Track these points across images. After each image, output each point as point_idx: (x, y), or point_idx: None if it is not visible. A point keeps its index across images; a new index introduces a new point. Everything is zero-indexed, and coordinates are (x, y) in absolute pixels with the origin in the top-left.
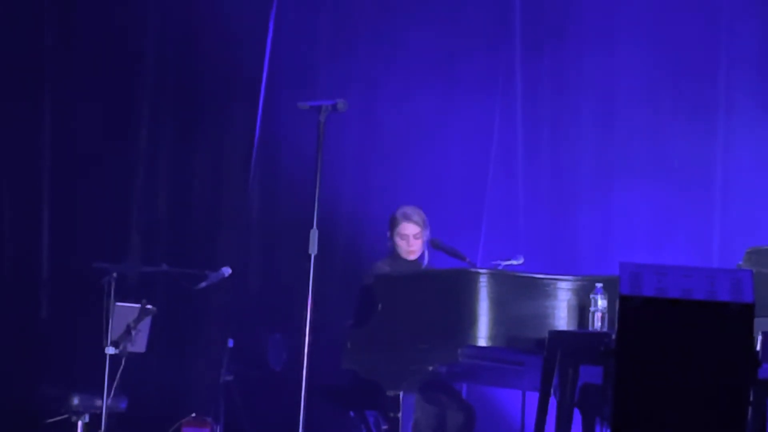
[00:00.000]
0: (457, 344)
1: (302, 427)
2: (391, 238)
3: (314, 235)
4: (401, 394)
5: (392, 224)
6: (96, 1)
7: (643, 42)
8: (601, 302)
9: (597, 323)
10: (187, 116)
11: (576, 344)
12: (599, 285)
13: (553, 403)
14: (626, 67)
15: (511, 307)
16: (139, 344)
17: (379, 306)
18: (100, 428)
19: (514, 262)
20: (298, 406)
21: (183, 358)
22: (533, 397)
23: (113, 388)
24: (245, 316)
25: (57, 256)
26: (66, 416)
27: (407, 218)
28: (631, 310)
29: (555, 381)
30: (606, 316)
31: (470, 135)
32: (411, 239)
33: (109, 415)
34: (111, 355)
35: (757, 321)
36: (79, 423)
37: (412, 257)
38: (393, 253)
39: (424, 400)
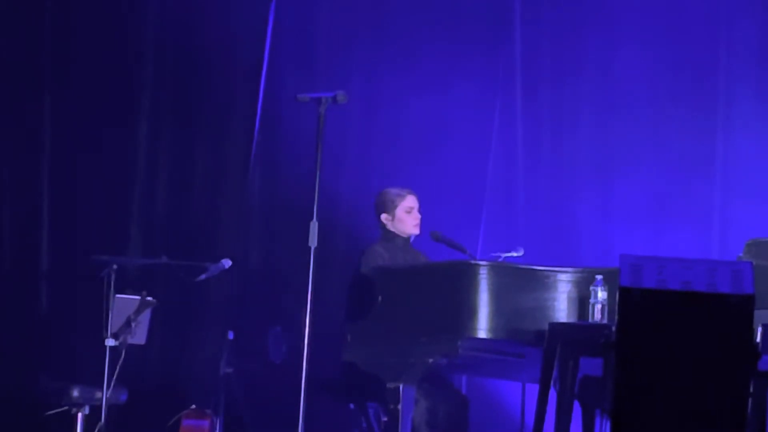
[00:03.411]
0: (457, 336)
1: (302, 420)
2: (391, 216)
3: (314, 227)
4: (401, 386)
5: (393, 201)
6: None
7: (643, 35)
8: (601, 294)
9: (597, 315)
10: (187, 108)
11: (576, 336)
12: (599, 277)
13: (553, 395)
14: (626, 60)
15: (511, 300)
16: (139, 336)
17: (379, 298)
18: (100, 420)
19: (514, 254)
20: (298, 399)
21: (183, 350)
22: (533, 389)
23: (113, 380)
24: (245, 308)
25: (57, 248)
26: (66, 408)
27: (410, 192)
28: (631, 302)
29: (555, 373)
30: (606, 308)
31: (470, 127)
32: (416, 212)
33: (109, 407)
34: (111, 347)
35: (757, 313)
36: (79, 415)
37: (417, 231)
38: (387, 234)
39: (418, 394)
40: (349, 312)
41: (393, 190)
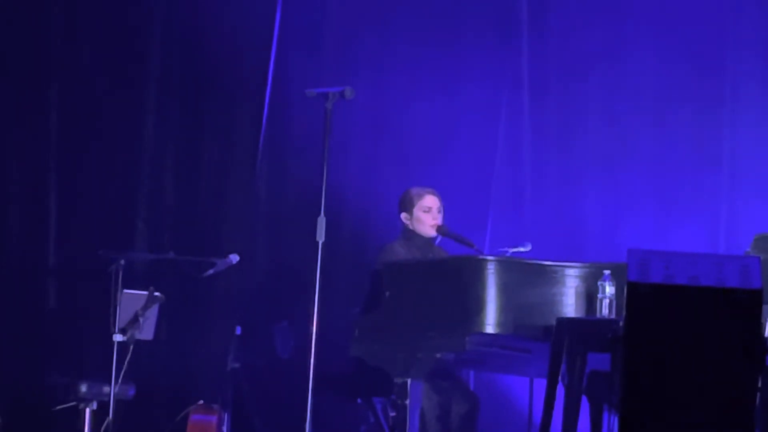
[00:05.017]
0: (464, 331)
1: (310, 415)
2: (410, 215)
3: (322, 222)
4: (409, 381)
5: (411, 200)
6: None
7: (649, 32)
8: (609, 289)
9: (605, 310)
10: (194, 103)
11: (584, 331)
12: (607, 272)
13: (560, 390)
14: (633, 58)
15: (519, 294)
16: (146, 332)
17: (387, 293)
18: (108, 415)
19: (522, 249)
20: (305, 394)
21: (190, 345)
22: (541, 384)
23: (121, 376)
24: (252, 303)
25: (64, 243)
26: (74, 404)
27: (430, 192)
28: (639, 296)
29: (563, 368)
30: (614, 302)
31: (477, 122)
32: (435, 212)
33: (116, 403)
34: (119, 343)
35: (765, 308)
36: (87, 410)
37: (434, 233)
38: (407, 233)
39: (429, 388)
40: (364, 308)
41: (414, 190)
